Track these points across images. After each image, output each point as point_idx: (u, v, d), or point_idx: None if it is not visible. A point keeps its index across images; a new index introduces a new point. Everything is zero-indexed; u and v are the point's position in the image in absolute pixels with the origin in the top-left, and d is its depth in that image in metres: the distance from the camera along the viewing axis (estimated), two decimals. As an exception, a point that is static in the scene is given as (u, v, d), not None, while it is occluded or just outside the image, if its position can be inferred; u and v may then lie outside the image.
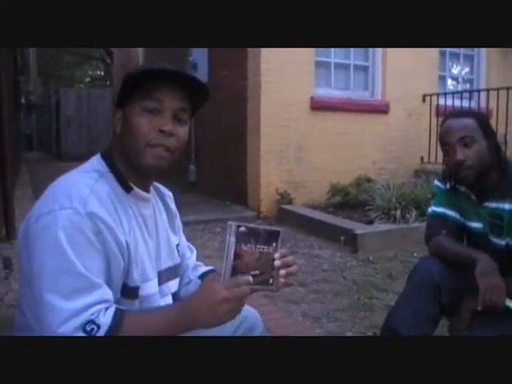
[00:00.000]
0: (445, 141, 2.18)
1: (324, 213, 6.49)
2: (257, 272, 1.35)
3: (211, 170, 8.23)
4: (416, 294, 2.19)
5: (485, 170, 2.14)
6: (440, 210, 2.37)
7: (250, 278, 1.31)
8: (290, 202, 6.86)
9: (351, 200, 6.74)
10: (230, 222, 1.32)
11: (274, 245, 1.39)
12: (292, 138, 7.00)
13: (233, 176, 7.53)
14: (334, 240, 5.53)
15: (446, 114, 2.33)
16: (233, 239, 1.30)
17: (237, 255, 1.31)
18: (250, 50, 6.94)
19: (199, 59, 8.29)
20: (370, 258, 4.99)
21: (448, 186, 2.34)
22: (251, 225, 1.35)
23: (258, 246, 1.35)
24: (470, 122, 2.15)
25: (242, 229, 1.32)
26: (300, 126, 7.04)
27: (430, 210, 2.44)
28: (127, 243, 1.40)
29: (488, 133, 2.17)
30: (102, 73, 29.23)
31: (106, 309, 1.30)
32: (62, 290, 1.25)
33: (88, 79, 31.33)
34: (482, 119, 2.20)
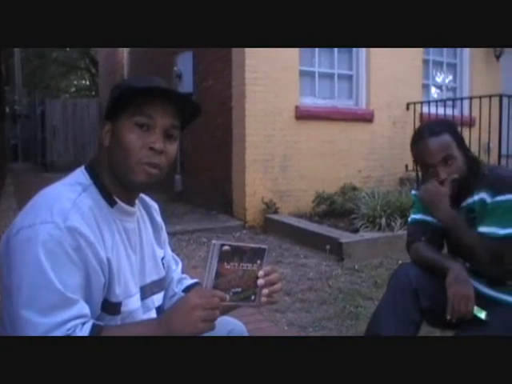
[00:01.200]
0: (426, 162, 2.21)
1: (309, 221, 6.51)
2: (239, 289, 1.36)
3: (197, 179, 8.23)
4: (396, 300, 2.20)
5: (464, 181, 2.19)
6: (419, 216, 2.40)
7: (227, 296, 1.32)
8: (275, 211, 6.87)
9: (337, 208, 6.76)
10: (213, 241, 1.32)
11: (259, 262, 1.39)
12: (277, 147, 7.02)
13: (218, 186, 7.53)
14: (319, 249, 5.54)
15: (418, 131, 2.33)
16: (215, 259, 1.30)
17: (219, 273, 1.31)
18: (234, 59, 6.97)
19: (184, 68, 8.31)
20: (356, 267, 5.01)
21: None
22: (236, 243, 1.34)
23: (242, 264, 1.35)
24: (447, 139, 2.19)
25: (226, 248, 1.32)
26: (285, 135, 7.06)
27: (410, 218, 2.49)
28: (108, 260, 1.38)
29: (460, 143, 2.22)
30: (88, 82, 29.18)
31: (83, 324, 1.29)
32: (38, 305, 1.24)
33: (73, 89, 31.24)
34: (454, 131, 2.25)
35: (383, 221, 5.74)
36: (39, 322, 1.23)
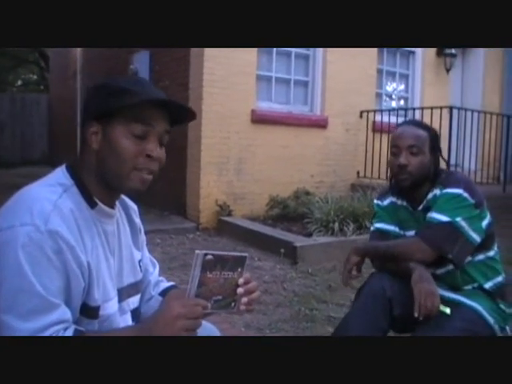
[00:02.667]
0: (395, 143, 2.32)
1: (263, 225, 6.57)
2: (219, 297, 1.38)
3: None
4: (367, 308, 2.27)
5: (421, 180, 2.30)
6: (380, 225, 2.51)
7: (209, 305, 1.34)
8: (229, 214, 6.90)
9: (290, 212, 6.84)
10: (197, 251, 1.33)
11: (240, 270, 1.41)
12: (232, 150, 7.06)
13: (172, 187, 7.50)
14: (273, 252, 5.60)
15: (404, 120, 2.49)
16: (198, 268, 1.32)
17: (201, 283, 1.33)
18: (192, 60, 6.97)
19: (141, 67, 8.25)
20: (310, 270, 5.08)
21: (385, 202, 2.51)
22: (218, 252, 1.36)
23: (224, 273, 1.37)
24: (423, 133, 2.31)
25: (209, 257, 1.33)
26: (241, 138, 7.11)
27: (372, 227, 2.58)
28: (88, 263, 1.36)
29: (435, 149, 2.34)
30: (36, 77, 28.51)
31: (65, 329, 1.28)
32: (19, 310, 1.22)
33: (20, 82, 30.44)
34: (434, 135, 2.36)
35: (336, 225, 5.85)
36: (20, 328, 1.22)
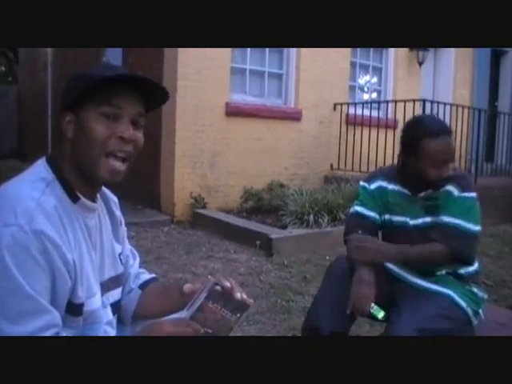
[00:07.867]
0: (442, 158, 2.27)
1: (238, 217, 6.58)
2: (210, 331, 1.38)
3: (123, 172, 8.09)
4: (334, 292, 2.33)
5: None
6: (360, 209, 2.50)
7: (202, 329, 1.35)
8: (204, 207, 6.89)
9: (264, 205, 6.87)
10: (210, 277, 1.38)
11: (238, 315, 1.42)
12: (207, 143, 7.04)
13: (145, 180, 7.44)
14: (249, 244, 5.62)
15: (434, 125, 2.37)
16: (204, 294, 1.35)
17: (201, 308, 1.35)
18: (166, 53, 6.92)
19: (113, 59, 8.16)
20: (285, 262, 5.11)
21: (373, 186, 2.50)
22: (229, 286, 1.39)
23: (223, 310, 1.39)
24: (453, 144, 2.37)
25: (217, 287, 1.37)
26: (215, 131, 7.09)
27: (352, 209, 2.57)
28: (74, 261, 1.34)
29: None
30: (4, 68, 28.03)
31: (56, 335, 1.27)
32: (8, 312, 1.20)
33: (-13, 74, 29.85)
34: None
35: (311, 218, 5.88)
36: (10, 331, 1.20)
